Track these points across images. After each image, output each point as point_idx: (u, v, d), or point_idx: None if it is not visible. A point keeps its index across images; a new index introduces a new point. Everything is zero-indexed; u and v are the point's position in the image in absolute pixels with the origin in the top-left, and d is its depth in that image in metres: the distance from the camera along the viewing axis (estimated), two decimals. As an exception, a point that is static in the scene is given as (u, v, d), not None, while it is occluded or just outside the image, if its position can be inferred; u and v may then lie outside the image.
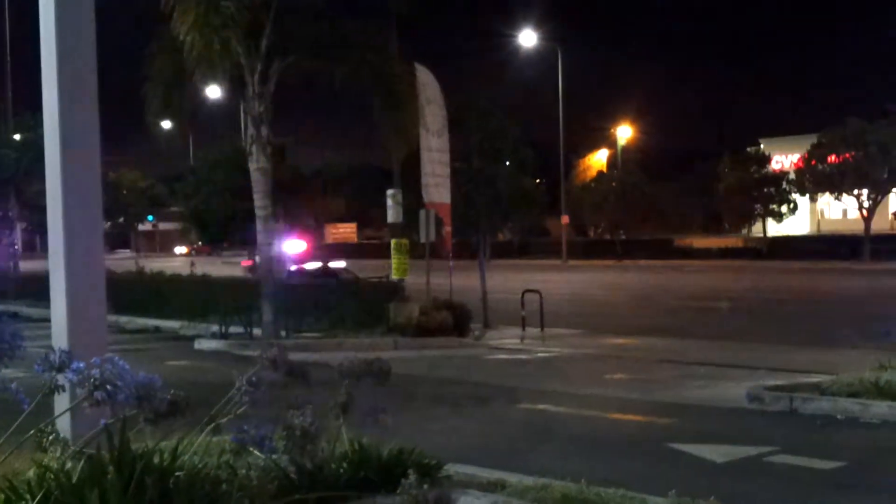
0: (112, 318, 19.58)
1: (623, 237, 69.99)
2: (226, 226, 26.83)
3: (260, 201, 19.31)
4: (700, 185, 70.84)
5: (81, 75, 6.73)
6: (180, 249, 77.59)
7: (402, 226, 24.15)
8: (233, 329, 21.11)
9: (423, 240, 23.27)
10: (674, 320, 25.32)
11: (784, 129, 72.04)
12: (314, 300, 22.04)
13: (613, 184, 70.60)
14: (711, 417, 12.06)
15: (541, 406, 12.88)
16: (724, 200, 67.50)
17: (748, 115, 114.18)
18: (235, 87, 19.98)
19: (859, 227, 58.18)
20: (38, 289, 27.97)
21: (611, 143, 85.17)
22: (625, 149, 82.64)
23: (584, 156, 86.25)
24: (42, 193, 7.11)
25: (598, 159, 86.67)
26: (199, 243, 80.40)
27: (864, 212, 57.56)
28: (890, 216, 59.78)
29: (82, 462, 5.18)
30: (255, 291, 20.29)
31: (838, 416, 11.50)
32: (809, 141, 60.07)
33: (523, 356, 19.15)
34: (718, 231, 72.81)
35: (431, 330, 20.72)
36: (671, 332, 22.15)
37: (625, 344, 20.91)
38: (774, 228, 68.81)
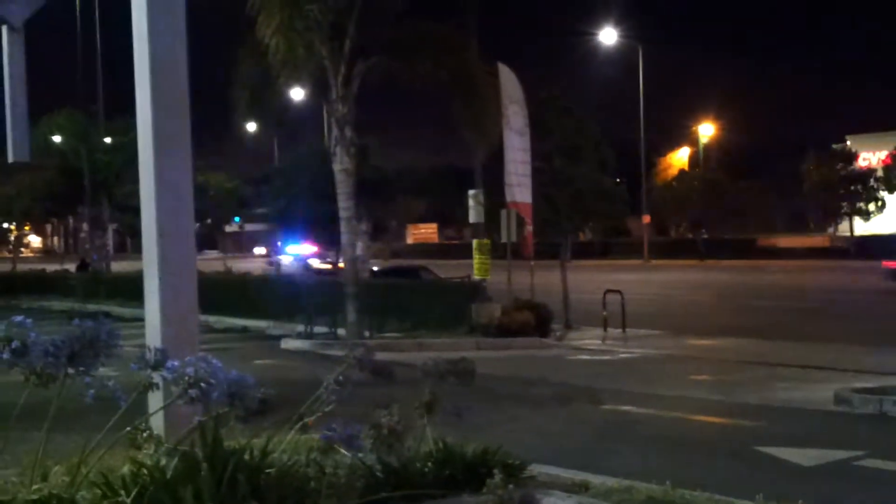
0: (201, 317, 19.97)
1: (705, 237, 69.10)
2: (309, 227, 27.14)
3: (343, 202, 19.52)
4: (784, 184, 69.64)
5: (174, 79, 6.89)
6: (259, 250, 78.64)
7: (484, 226, 24.20)
8: (317, 329, 21.37)
9: (504, 240, 23.29)
10: (758, 321, 24.97)
11: (871, 126, 70.45)
12: (397, 301, 22.20)
13: (695, 182, 69.78)
14: (798, 420, 11.90)
15: (624, 407, 12.83)
16: (809, 199, 66.27)
17: (834, 112, 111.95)
18: (319, 89, 20.24)
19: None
20: (128, 289, 28.63)
21: (693, 141, 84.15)
22: (707, 147, 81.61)
23: (665, 154, 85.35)
24: (132, 195, 7.32)
25: (680, 158, 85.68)
26: (279, 243, 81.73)
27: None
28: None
29: (176, 459, 5.31)
30: (340, 292, 20.51)
31: (930, 420, 11.27)
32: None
33: (605, 357, 19.07)
34: (803, 230, 71.49)
35: (513, 330, 20.74)
36: (755, 333, 21.85)
37: (708, 345, 20.69)
38: (861, 227, 67.35)
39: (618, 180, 32.78)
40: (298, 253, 47.02)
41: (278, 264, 42.08)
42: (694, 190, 68.44)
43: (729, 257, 61.86)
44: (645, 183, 67.90)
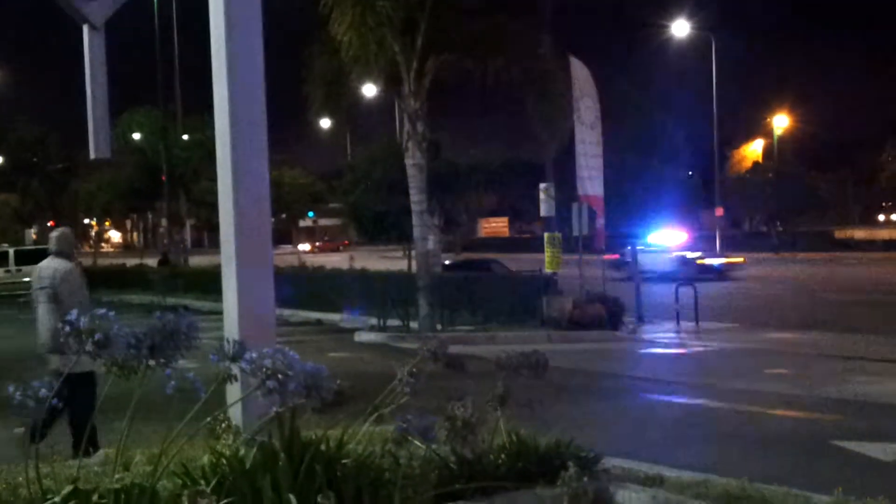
0: (277, 310, 20.26)
1: (780, 229, 68.07)
2: (382, 221, 27.30)
3: (415, 196, 19.62)
4: (861, 175, 68.32)
5: (251, 75, 7.01)
6: (304, 246, 78.64)
7: (555, 219, 24.14)
8: (390, 322, 21.51)
9: (575, 233, 23.21)
10: (835, 314, 24.55)
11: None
12: (468, 294, 22.25)
13: (769, 175, 68.77)
14: (877, 414, 11.69)
15: (697, 401, 12.73)
16: (886, 190, 64.94)
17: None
18: (391, 85, 20.36)
19: None
20: (206, 283, 29.06)
21: (766, 132, 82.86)
22: (781, 139, 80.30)
23: (738, 146, 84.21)
24: (209, 191, 7.44)
25: (754, 150, 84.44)
26: (326, 238, 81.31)
27: None
28: None
29: (254, 449, 5.41)
30: (412, 285, 20.63)
31: None
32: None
33: (679, 350, 18.92)
34: (881, 222, 70.05)
35: (585, 323, 20.67)
36: (832, 327, 21.50)
37: (784, 338, 20.40)
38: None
39: (690, 173, 32.45)
40: (664, 243, 36.83)
41: (632, 261, 27.82)
42: (768, 182, 67.45)
43: (804, 250, 60.90)
44: (718, 175, 67.07)
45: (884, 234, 65.17)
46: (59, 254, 9.43)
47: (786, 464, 9.00)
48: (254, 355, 5.81)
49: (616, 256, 36.24)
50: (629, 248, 34.20)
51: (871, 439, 9.94)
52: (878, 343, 18.46)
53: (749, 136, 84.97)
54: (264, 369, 5.76)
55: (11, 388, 4.19)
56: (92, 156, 7.70)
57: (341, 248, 74.28)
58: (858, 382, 13.94)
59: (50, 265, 9.36)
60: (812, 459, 9.35)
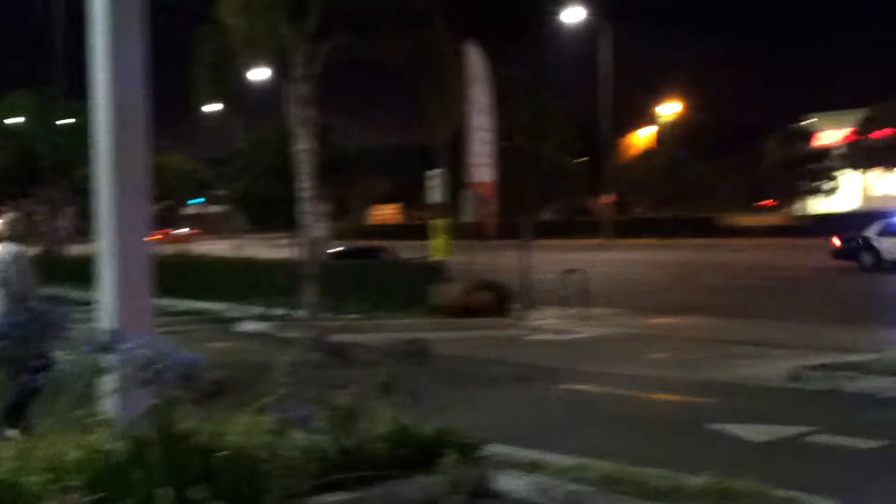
0: (157, 300, 19.80)
1: (667, 215, 69.52)
2: (270, 208, 27.00)
3: (305, 182, 19.41)
4: (745, 162, 70.14)
5: (131, 60, 6.84)
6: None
7: (445, 206, 24.19)
8: (275, 311, 21.32)
9: (465, 220, 23.31)
10: (716, 299, 25.20)
11: (833, 104, 71.07)
12: (356, 282, 22.17)
13: (657, 161, 70.13)
14: (752, 397, 12.04)
15: (581, 386, 12.93)
16: (768, 177, 66.82)
17: (796, 91, 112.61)
18: (281, 69, 20.08)
19: (907, 203, 57.44)
20: (84, 271, 28.27)
21: (655, 120, 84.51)
22: (669, 126, 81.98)
23: (628, 133, 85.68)
24: (89, 178, 7.24)
25: (643, 137, 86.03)
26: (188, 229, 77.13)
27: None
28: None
29: (128, 442, 5.32)
30: (298, 273, 20.44)
31: (881, 396, 11.45)
32: (858, 115, 59.34)
33: (565, 336, 19.17)
34: (763, 209, 72.07)
35: (473, 310, 20.78)
36: (714, 311, 22.06)
37: (667, 323, 20.87)
38: (822, 205, 68.06)
39: (581, 159, 32.86)
40: None
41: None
42: (656, 169, 68.80)
43: (690, 235, 62.31)
44: (608, 162, 68.16)
45: (766, 220, 67.06)
46: (12, 238, 9.59)
47: (663, 446, 9.21)
48: (129, 346, 5.70)
49: (838, 243, 36.08)
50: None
51: (746, 421, 10.24)
52: (755, 327, 19.00)
53: (638, 124, 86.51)
54: (138, 360, 5.65)
55: None
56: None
57: (192, 239, 68.94)
58: (736, 366, 14.33)
59: (3, 250, 9.51)
60: (689, 441, 9.60)
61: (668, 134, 79.94)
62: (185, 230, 76.00)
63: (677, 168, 67.69)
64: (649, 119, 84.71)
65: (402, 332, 13.69)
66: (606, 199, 67.86)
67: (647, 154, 75.02)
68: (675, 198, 68.87)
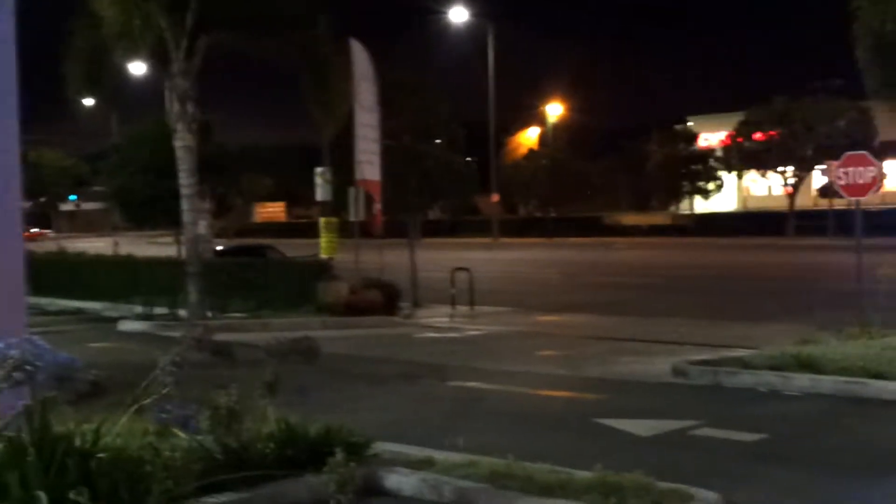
0: (32, 299, 19.16)
1: (553, 215, 70.42)
2: (149, 205, 26.43)
3: (185, 179, 19.06)
4: (629, 163, 71.51)
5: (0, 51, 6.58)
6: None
7: (331, 204, 24.00)
8: (158, 310, 20.85)
9: (352, 218, 23.16)
10: (603, 297, 25.57)
11: (712, 107, 72.95)
12: (241, 280, 21.82)
13: (543, 162, 70.96)
14: (637, 392, 12.21)
15: (470, 383, 12.93)
16: (652, 178, 68.26)
17: (677, 94, 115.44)
18: (160, 63, 19.64)
19: (784, 204, 59.28)
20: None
21: (541, 120, 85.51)
22: (555, 127, 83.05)
23: (514, 134, 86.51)
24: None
25: (529, 137, 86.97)
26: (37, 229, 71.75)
27: (789, 189, 58.64)
28: (813, 193, 60.92)
29: (1, 445, 5.09)
30: (181, 271, 20.04)
31: (761, 389, 11.72)
32: (736, 119, 61.01)
33: (453, 334, 19.20)
34: (647, 208, 73.61)
35: (361, 309, 20.66)
36: (600, 309, 22.37)
37: (554, 321, 21.07)
38: (702, 206, 69.78)
39: (468, 159, 33.03)
40: None
41: None
42: (542, 169, 69.59)
43: (576, 235, 63.28)
44: (494, 162, 68.67)
45: (650, 219, 68.51)
46: None
47: (551, 442, 9.26)
48: (0, 346, 5.46)
49: None
50: None
51: (631, 416, 10.36)
52: (640, 324, 19.32)
53: (525, 124, 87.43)
54: (10, 360, 5.41)
55: None
56: None
57: (39, 238, 62.98)
58: (622, 362, 14.53)
59: None
60: (575, 437, 9.66)
61: (553, 135, 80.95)
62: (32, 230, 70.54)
63: (561, 168, 68.57)
64: (538, 120, 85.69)
65: (289, 331, 13.47)
66: (493, 198, 68.35)
67: (532, 154, 75.81)
68: (561, 198, 69.78)
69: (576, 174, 68.85)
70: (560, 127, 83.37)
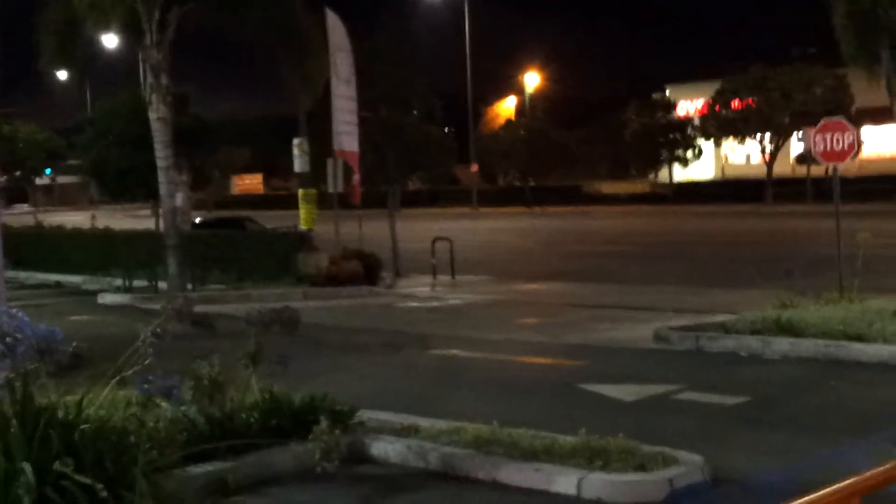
0: (10, 273, 19.00)
1: (532, 184, 70.40)
2: (125, 178, 26.23)
3: (161, 152, 18.86)
4: (607, 132, 71.46)
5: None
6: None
7: (310, 175, 23.87)
8: (137, 283, 20.78)
9: (331, 189, 23.06)
10: (582, 265, 25.61)
11: (689, 76, 72.89)
12: (221, 252, 21.74)
13: (521, 131, 70.83)
14: (619, 358, 12.25)
15: (452, 352, 12.94)
16: (630, 147, 68.28)
17: (655, 62, 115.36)
18: (132, 35, 19.40)
19: (762, 172, 59.45)
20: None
21: (518, 90, 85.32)
22: (532, 96, 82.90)
23: (492, 104, 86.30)
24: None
25: (507, 107, 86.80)
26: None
27: (767, 156, 58.80)
28: (791, 160, 61.05)
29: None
30: (160, 244, 19.93)
31: (742, 354, 11.78)
32: (714, 87, 60.99)
33: (434, 303, 19.20)
34: (625, 177, 73.68)
35: (341, 280, 20.61)
36: (580, 277, 22.41)
37: (535, 289, 21.10)
38: (680, 174, 69.89)
39: (446, 129, 32.96)
40: None
41: None
42: (520, 139, 69.48)
43: (555, 204, 63.31)
44: (473, 132, 68.52)
45: (629, 188, 68.63)
46: None
47: (534, 408, 9.28)
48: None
49: None
50: None
51: (614, 382, 10.40)
52: (621, 291, 19.37)
53: (503, 94, 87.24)
54: (-11, 332, 5.37)
55: None
56: None
57: None
58: (604, 329, 14.57)
59: None
60: (559, 403, 9.68)
61: (531, 104, 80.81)
62: None
63: (540, 138, 68.46)
64: (516, 90, 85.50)
65: (270, 302, 13.44)
66: (472, 168, 68.28)
67: (510, 124, 75.68)
68: (540, 167, 69.73)
69: (554, 144, 68.76)
70: (538, 97, 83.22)
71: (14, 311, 5.71)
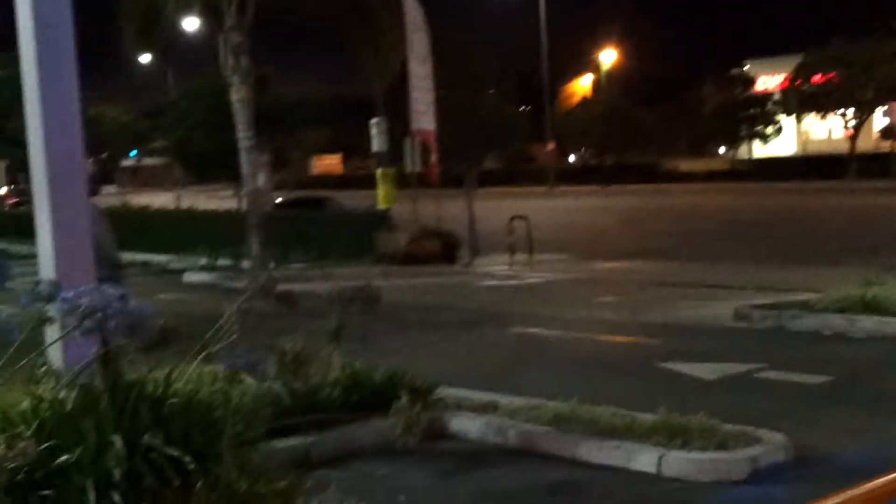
0: (99, 253, 19.35)
1: (609, 163, 69.84)
2: (208, 159, 26.64)
3: (242, 133, 19.15)
4: (685, 109, 70.53)
5: (57, 7, 6.65)
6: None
7: (388, 155, 24.02)
8: (221, 262, 21.14)
9: (409, 169, 23.18)
10: (661, 243, 25.39)
11: (769, 50, 71.54)
12: (302, 231, 22.01)
13: (598, 109, 70.26)
14: (700, 337, 12.14)
15: (532, 330, 12.95)
16: (709, 123, 67.32)
17: (734, 37, 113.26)
18: (213, 18, 19.68)
19: (844, 147, 58.21)
20: (23, 225, 27.82)
21: (595, 68, 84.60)
22: (609, 74, 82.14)
23: (568, 82, 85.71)
24: (22, 129, 7.06)
25: (583, 85, 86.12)
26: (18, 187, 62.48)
27: (850, 131, 57.54)
28: (875, 135, 59.66)
29: (75, 392, 5.20)
30: (243, 224, 20.25)
31: (825, 332, 11.60)
32: (795, 61, 59.78)
33: (512, 282, 19.21)
34: (704, 154, 72.68)
35: (420, 258, 20.74)
36: (659, 255, 22.22)
37: (613, 267, 20.98)
38: (760, 150, 68.75)
39: (521, 108, 32.88)
40: None
41: None
42: (597, 116, 68.93)
43: (632, 182, 62.71)
44: (549, 110, 68.16)
45: (708, 165, 67.70)
46: None
47: (614, 386, 9.26)
48: (72, 294, 5.56)
49: None
50: None
51: (694, 360, 10.32)
52: (701, 269, 19.16)
53: (579, 72, 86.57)
54: (81, 308, 5.51)
55: None
56: None
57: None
58: (683, 307, 14.44)
59: None
60: (639, 381, 9.65)
61: (608, 82, 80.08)
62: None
63: (616, 115, 67.82)
64: (592, 67, 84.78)
65: (350, 280, 13.58)
66: (548, 146, 67.97)
67: (586, 102, 75.09)
68: (617, 145, 69.11)
69: (631, 121, 68.08)
70: (614, 73, 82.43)
71: (105, 286, 5.86)
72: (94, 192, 9.23)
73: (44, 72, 6.61)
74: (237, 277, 18.97)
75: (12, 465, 4.38)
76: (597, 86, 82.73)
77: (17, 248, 26.06)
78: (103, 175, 74.45)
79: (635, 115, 68.95)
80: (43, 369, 5.95)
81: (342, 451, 6.92)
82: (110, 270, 8.56)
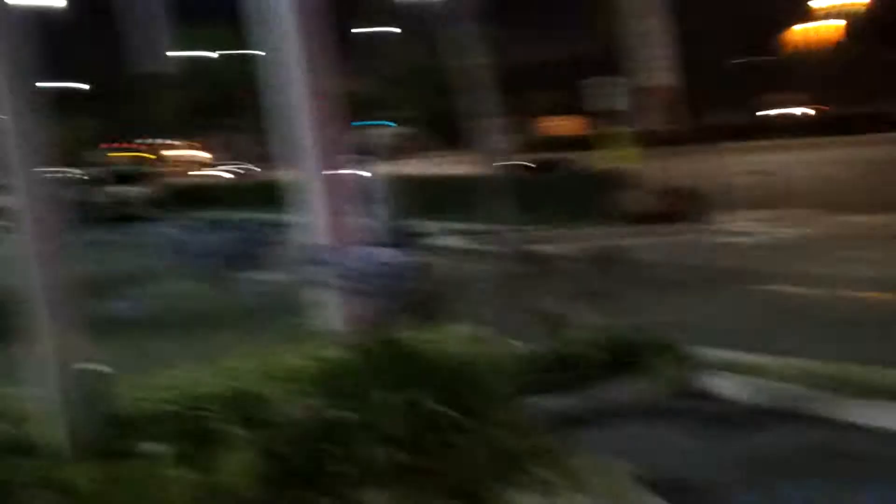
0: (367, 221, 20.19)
1: (864, 111, 66.22)
2: (452, 125, 27.13)
3: (481, 97, 19.41)
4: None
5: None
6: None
7: (625, 113, 23.76)
8: (470, 226, 21.51)
9: (647, 126, 22.89)
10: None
11: None
12: (544, 193, 22.12)
13: (847, 56, 66.70)
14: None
15: (780, 287, 12.52)
16: None
17: None
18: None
19: None
20: (275, 195, 29.19)
21: (842, 14, 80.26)
22: (858, 18, 77.76)
23: (814, 29, 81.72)
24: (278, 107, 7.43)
25: (832, 28, 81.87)
26: None
27: None
28: None
29: (354, 351, 5.47)
30: (489, 187, 20.55)
31: None
32: None
33: (759, 238, 18.63)
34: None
35: (663, 217, 20.50)
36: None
37: (867, 221, 19.96)
38: None
39: (762, 58, 31.74)
40: None
41: None
42: (846, 63, 65.43)
43: (891, 130, 59.14)
44: (792, 60, 65.24)
45: None
46: None
47: (874, 346, 8.80)
48: (338, 259, 5.84)
49: None
50: None
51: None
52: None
53: (825, 17, 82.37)
54: (350, 272, 5.78)
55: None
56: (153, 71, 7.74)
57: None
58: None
59: None
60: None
61: (859, 27, 75.80)
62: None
63: (867, 61, 64.13)
64: (840, 13, 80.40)
65: (595, 241, 13.58)
66: (793, 98, 65.20)
67: (834, 49, 71.36)
68: (870, 93, 65.37)
69: (884, 67, 64.25)
70: (864, 18, 77.94)
71: (371, 251, 6.13)
72: (371, 160, 9.61)
73: (302, 46, 6.96)
74: (487, 240, 19.30)
75: (301, 421, 4.66)
76: (846, 32, 78.50)
77: (271, 217, 27.43)
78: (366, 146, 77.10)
79: (888, 60, 65.03)
80: (311, 330, 6.31)
81: (601, 409, 6.95)
82: (395, 237, 8.91)
